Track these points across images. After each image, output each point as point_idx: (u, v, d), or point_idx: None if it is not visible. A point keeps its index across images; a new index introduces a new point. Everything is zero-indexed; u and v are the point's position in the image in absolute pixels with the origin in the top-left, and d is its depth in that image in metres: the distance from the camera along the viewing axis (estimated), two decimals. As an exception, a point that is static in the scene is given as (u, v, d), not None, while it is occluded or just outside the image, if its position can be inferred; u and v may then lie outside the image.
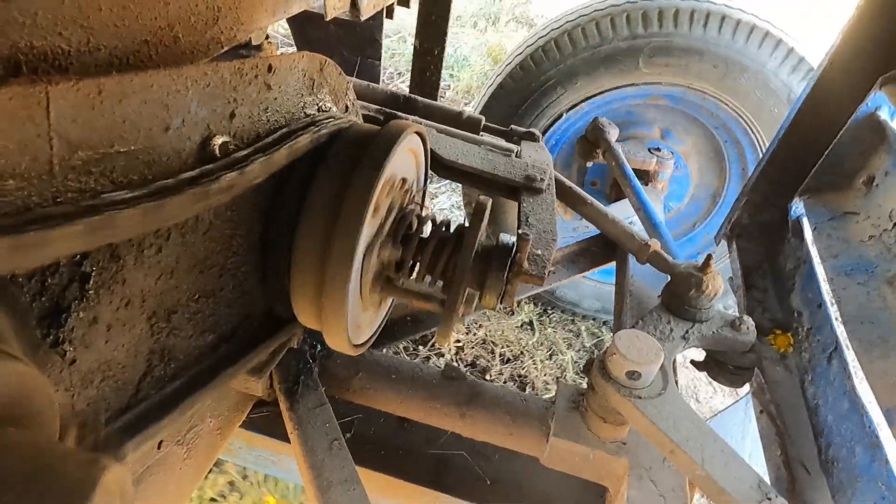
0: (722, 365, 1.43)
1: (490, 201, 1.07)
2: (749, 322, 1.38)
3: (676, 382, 1.37)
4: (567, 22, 2.37)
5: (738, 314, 1.41)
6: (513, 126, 1.75)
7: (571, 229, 1.98)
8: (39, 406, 0.55)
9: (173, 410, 0.83)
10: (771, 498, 1.02)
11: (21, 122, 0.48)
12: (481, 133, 1.68)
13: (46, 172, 0.51)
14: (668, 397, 1.12)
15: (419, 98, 1.71)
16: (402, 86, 4.54)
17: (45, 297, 0.58)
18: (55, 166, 0.52)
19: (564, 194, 1.67)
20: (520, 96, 2.47)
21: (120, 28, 0.60)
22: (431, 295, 1.06)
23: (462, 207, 3.29)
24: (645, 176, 2.41)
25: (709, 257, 1.39)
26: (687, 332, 1.35)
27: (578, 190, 1.67)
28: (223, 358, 0.96)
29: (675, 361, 1.47)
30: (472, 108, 2.62)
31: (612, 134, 2.19)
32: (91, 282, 0.62)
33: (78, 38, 0.56)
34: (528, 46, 2.45)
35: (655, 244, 1.54)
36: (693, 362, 1.50)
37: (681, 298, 1.37)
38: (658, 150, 2.47)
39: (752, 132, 2.44)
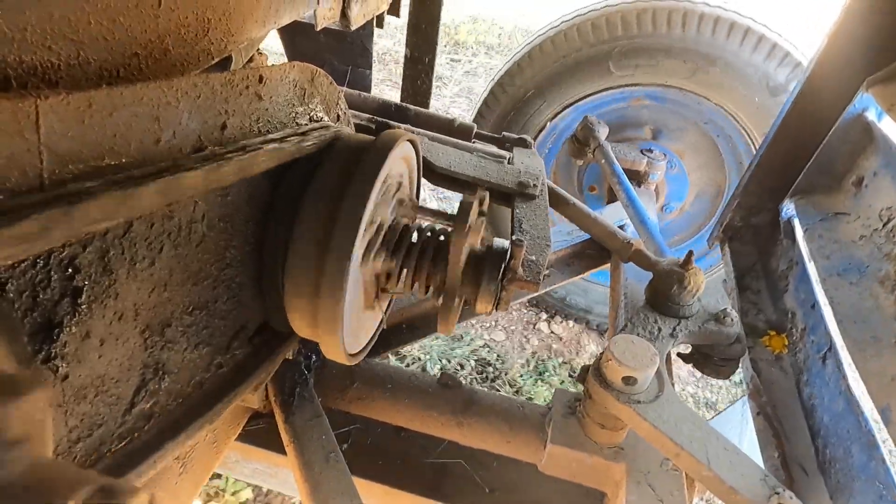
0: (708, 357, 1.44)
1: (483, 196, 1.05)
2: (733, 314, 1.39)
3: (671, 379, 1.38)
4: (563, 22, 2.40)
5: (721, 308, 1.42)
6: (504, 133, 1.76)
7: (566, 233, 1.99)
8: (33, 423, 0.54)
9: (179, 436, 0.83)
10: (779, 492, 1.03)
11: (10, 136, 0.48)
12: (473, 140, 1.68)
13: (36, 187, 0.51)
14: (666, 399, 1.12)
15: (410, 106, 1.72)
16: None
17: (36, 313, 0.57)
18: (45, 181, 0.52)
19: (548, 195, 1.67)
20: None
21: (110, 41, 0.60)
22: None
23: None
24: (636, 177, 2.42)
25: (690, 253, 1.39)
26: (675, 329, 1.36)
27: (561, 191, 1.68)
28: (225, 380, 0.95)
29: (669, 359, 1.47)
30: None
31: (602, 133, 2.21)
32: (83, 296, 0.62)
33: (68, 52, 0.56)
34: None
35: (638, 243, 1.55)
36: (679, 355, 1.51)
37: (664, 295, 1.38)
38: (650, 150, 2.47)
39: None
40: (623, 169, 2.15)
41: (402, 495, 1.35)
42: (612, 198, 2.40)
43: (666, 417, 1.09)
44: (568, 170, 2.82)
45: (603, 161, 2.15)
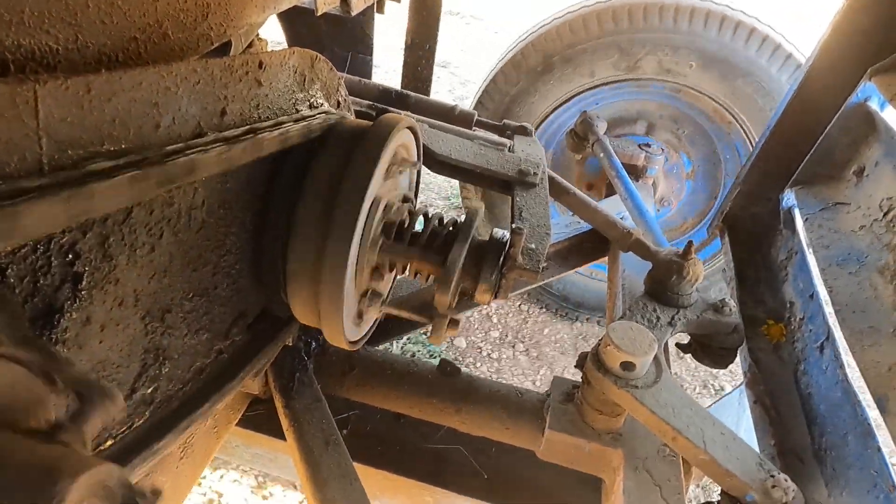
0: (706, 347, 1.44)
1: (482, 208, 1.08)
2: (731, 304, 1.40)
3: (669, 367, 1.38)
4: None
5: (719, 298, 1.43)
6: (505, 121, 1.75)
7: (565, 225, 1.98)
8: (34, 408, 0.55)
9: (181, 422, 0.83)
10: (774, 475, 1.04)
11: (9, 121, 0.48)
12: (474, 128, 1.67)
13: (36, 172, 0.51)
14: (664, 385, 1.13)
15: (411, 93, 1.71)
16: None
17: (37, 298, 0.57)
18: (45, 166, 0.52)
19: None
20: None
21: (108, 25, 0.60)
22: (424, 304, 1.07)
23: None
24: (634, 171, 2.42)
25: (689, 244, 1.39)
26: (673, 318, 1.36)
27: (561, 180, 1.67)
28: (225, 366, 0.96)
29: (666, 348, 1.47)
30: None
31: (601, 127, 2.21)
32: (84, 282, 0.62)
33: (66, 36, 0.55)
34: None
35: (637, 232, 1.55)
36: (678, 345, 1.51)
37: (663, 285, 1.38)
38: (648, 145, 2.47)
39: None
40: (621, 163, 2.16)
41: (401, 481, 1.36)
42: (609, 191, 2.40)
43: (663, 402, 1.10)
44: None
45: (602, 155, 2.16)
